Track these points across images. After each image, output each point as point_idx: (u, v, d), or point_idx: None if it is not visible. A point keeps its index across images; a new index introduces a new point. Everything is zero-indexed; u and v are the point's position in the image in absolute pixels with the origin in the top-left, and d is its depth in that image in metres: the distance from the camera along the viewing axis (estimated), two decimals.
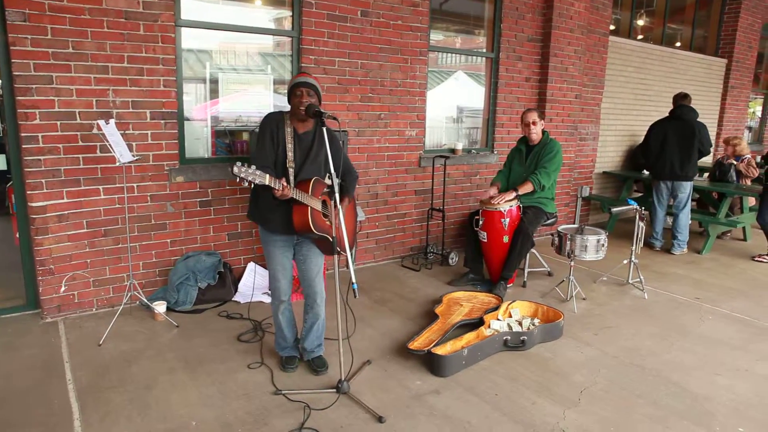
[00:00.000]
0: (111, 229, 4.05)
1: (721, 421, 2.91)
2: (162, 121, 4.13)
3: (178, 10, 4.10)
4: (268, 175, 2.67)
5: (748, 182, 7.00)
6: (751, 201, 6.98)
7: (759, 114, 11.37)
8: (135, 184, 4.09)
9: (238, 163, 2.57)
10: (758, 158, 7.77)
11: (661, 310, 4.48)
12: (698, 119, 6.11)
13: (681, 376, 3.38)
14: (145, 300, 3.98)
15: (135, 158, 3.81)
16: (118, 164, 3.65)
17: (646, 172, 7.47)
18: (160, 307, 3.97)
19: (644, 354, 3.67)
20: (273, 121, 3.04)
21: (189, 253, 4.37)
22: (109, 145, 3.58)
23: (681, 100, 6.18)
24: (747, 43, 9.71)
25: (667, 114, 6.30)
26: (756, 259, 6.11)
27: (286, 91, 3.04)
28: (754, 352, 3.77)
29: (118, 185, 3.99)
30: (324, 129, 2.84)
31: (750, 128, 11.16)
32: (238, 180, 2.58)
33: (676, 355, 3.68)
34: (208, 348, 3.58)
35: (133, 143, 4.01)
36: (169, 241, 4.31)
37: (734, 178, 6.96)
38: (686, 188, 6.13)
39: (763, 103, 11.30)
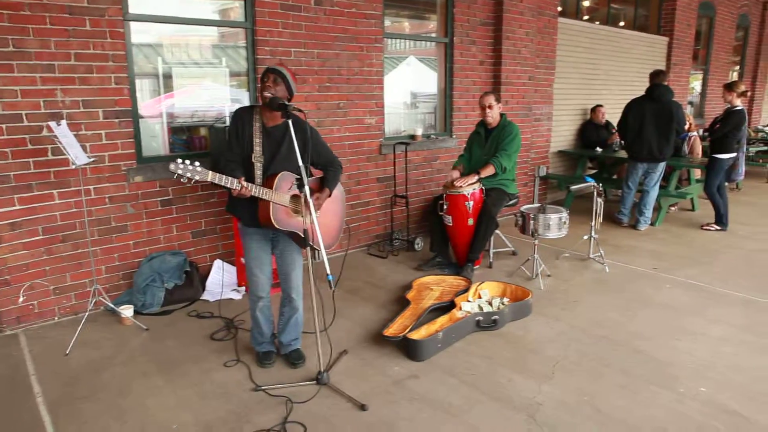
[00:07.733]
0: (69, 234, 3.90)
1: (685, 383, 3.07)
2: (116, 120, 3.99)
3: (126, 3, 3.95)
4: (210, 172, 2.66)
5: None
6: (697, 173, 7.33)
7: (698, 90, 11.86)
8: (92, 187, 3.95)
9: (178, 160, 2.54)
10: (700, 131, 8.11)
11: (622, 282, 4.66)
12: (673, 99, 6.10)
13: (645, 344, 3.53)
14: (111, 305, 3.87)
15: (91, 160, 3.68)
16: (73, 167, 3.51)
17: (599, 150, 7.72)
18: (127, 311, 3.86)
19: (610, 325, 3.82)
20: (240, 116, 3.00)
21: (153, 254, 4.26)
22: (63, 147, 3.43)
23: (655, 78, 6.17)
24: (686, 21, 10.09)
25: (642, 93, 6.21)
26: (704, 227, 6.41)
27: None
28: (708, 316, 3.97)
29: (73, 188, 3.85)
30: (291, 122, 2.78)
31: (691, 103, 11.64)
32: (175, 177, 2.54)
33: (639, 324, 3.84)
34: (181, 349, 3.51)
35: (87, 144, 3.86)
36: (131, 243, 4.19)
37: (686, 152, 7.28)
38: (660, 168, 6.22)
39: (702, 78, 11.78)
